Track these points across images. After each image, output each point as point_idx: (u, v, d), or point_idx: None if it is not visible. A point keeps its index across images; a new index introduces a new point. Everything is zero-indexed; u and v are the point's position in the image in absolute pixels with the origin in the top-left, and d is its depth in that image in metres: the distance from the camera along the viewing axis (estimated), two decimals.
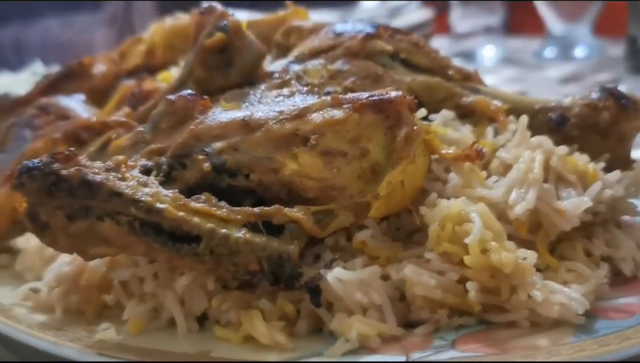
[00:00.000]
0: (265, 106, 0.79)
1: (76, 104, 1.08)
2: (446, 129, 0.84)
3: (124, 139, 0.76)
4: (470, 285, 0.64)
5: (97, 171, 0.67)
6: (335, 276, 0.65)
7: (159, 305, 0.73)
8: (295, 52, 0.97)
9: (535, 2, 2.21)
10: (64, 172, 0.65)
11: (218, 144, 0.73)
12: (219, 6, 0.92)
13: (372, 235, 0.71)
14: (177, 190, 0.68)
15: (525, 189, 0.72)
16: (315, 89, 0.84)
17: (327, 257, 0.71)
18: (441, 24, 2.56)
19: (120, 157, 0.70)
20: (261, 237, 0.67)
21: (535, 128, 0.86)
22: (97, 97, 1.20)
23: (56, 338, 0.69)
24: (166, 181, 0.71)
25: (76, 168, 0.66)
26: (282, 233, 0.68)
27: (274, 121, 0.74)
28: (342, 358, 0.62)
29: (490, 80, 1.09)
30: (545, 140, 0.79)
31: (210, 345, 0.67)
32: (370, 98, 0.75)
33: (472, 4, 2.36)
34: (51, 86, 1.20)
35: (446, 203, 0.70)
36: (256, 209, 0.68)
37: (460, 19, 2.42)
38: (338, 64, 0.91)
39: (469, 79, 0.95)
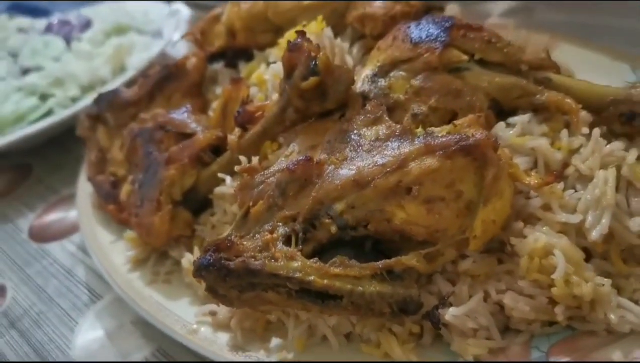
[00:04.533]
0: (367, 153, 0.92)
1: (187, 117, 1.24)
2: (524, 139, 0.95)
3: (260, 205, 0.93)
4: (558, 309, 0.83)
5: (253, 254, 0.86)
6: (452, 314, 0.85)
7: (312, 325, 0.95)
8: (377, 62, 1.06)
9: None
10: (232, 265, 0.85)
11: (338, 207, 0.89)
12: (305, 43, 1.00)
13: (473, 261, 0.89)
14: (317, 259, 0.86)
15: (600, 212, 0.85)
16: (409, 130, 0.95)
17: (439, 282, 0.90)
18: None
19: (268, 236, 0.88)
20: (388, 286, 0.86)
21: (606, 120, 0.96)
22: (195, 90, 1.35)
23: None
24: (303, 243, 0.89)
25: (240, 259, 0.85)
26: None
27: (379, 176, 0.89)
28: None
29: None
30: (616, 148, 0.90)
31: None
32: (459, 143, 0.87)
33: None
34: (155, 87, 1.35)
35: (533, 237, 0.85)
36: (380, 264, 0.86)
37: None
38: (419, 79, 1.01)
39: (541, 68, 1.02)
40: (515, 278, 0.87)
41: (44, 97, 1.77)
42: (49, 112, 1.74)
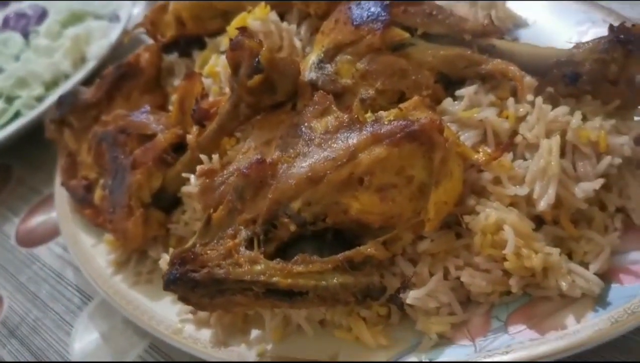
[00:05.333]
0: (318, 148, 0.93)
1: (146, 118, 1.25)
2: (472, 112, 0.96)
3: (220, 210, 0.95)
4: (512, 281, 0.86)
5: (218, 263, 0.89)
6: (413, 296, 0.88)
7: (287, 315, 1.00)
8: (322, 47, 1.06)
9: None
10: (198, 277, 0.88)
11: (295, 205, 0.91)
12: (246, 41, 1.00)
13: (431, 240, 0.92)
14: (279, 260, 0.89)
15: (546, 182, 0.88)
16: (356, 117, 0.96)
17: (401, 264, 0.93)
18: None
19: (230, 242, 0.91)
20: (349, 276, 0.89)
21: (551, 82, 0.97)
22: (152, 84, 1.35)
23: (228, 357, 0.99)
24: (265, 243, 0.92)
25: (205, 270, 0.88)
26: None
27: (331, 171, 0.90)
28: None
29: None
30: (560, 113, 0.91)
31: (336, 347, 0.94)
32: (404, 130, 0.88)
33: None
34: (112, 88, 1.35)
35: (484, 214, 0.88)
36: (340, 256, 0.89)
37: None
38: (364, 62, 1.01)
39: (485, 35, 1.02)
40: (472, 252, 0.90)
41: (9, 99, 1.77)
42: (16, 114, 1.74)
